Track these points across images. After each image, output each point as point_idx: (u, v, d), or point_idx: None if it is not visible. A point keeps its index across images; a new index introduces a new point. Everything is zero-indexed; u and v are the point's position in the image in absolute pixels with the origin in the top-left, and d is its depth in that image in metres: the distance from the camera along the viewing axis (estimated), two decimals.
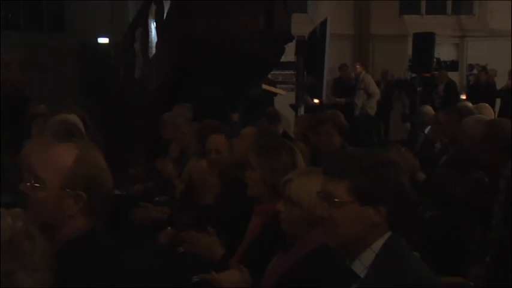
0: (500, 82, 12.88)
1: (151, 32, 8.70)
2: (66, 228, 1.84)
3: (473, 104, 6.22)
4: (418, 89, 10.61)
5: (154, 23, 8.54)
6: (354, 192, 1.91)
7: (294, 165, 3.08)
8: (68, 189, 1.83)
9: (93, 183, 1.87)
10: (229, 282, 2.71)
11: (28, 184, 1.83)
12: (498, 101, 12.22)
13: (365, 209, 1.90)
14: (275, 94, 10.95)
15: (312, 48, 7.76)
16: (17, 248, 1.36)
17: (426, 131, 7.21)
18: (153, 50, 8.57)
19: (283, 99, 10.78)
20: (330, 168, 2.00)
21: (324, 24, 7.48)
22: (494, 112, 6.37)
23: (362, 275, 1.91)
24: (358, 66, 12.49)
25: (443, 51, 14.37)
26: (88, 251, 1.84)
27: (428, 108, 7.91)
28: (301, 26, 10.01)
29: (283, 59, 8.31)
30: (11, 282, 1.30)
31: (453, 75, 13.78)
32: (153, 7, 8.36)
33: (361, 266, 1.92)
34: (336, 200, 1.93)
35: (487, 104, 5.96)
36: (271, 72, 10.34)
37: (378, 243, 1.92)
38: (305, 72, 8.19)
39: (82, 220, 1.86)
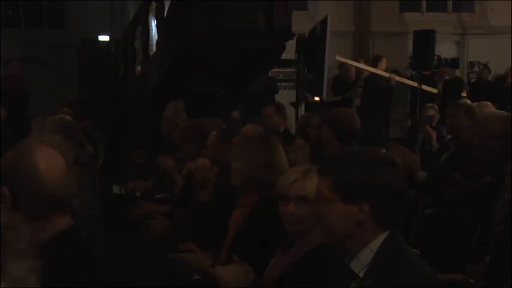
0: None
1: (151, 29, 8.70)
2: None
3: (473, 101, 6.19)
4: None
5: (155, 21, 8.52)
6: (337, 190, 1.89)
7: (271, 164, 3.09)
8: None
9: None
10: (232, 279, 2.70)
11: None
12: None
13: (349, 206, 1.89)
14: (276, 92, 10.91)
15: (313, 45, 7.74)
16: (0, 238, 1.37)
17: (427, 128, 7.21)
18: (153, 48, 8.57)
19: (284, 96, 10.77)
20: (319, 166, 2.01)
21: (324, 21, 7.46)
22: None
23: (361, 274, 1.91)
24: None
25: (444, 49, 14.33)
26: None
27: (429, 106, 7.91)
28: (301, 23, 9.98)
29: (283, 56, 8.30)
30: (1, 273, 1.31)
31: None
32: (154, 5, 8.36)
33: (359, 265, 1.91)
34: (321, 197, 1.93)
35: (488, 103, 5.91)
36: (272, 70, 10.35)
37: (376, 242, 1.90)
38: (305, 70, 8.16)
39: None
